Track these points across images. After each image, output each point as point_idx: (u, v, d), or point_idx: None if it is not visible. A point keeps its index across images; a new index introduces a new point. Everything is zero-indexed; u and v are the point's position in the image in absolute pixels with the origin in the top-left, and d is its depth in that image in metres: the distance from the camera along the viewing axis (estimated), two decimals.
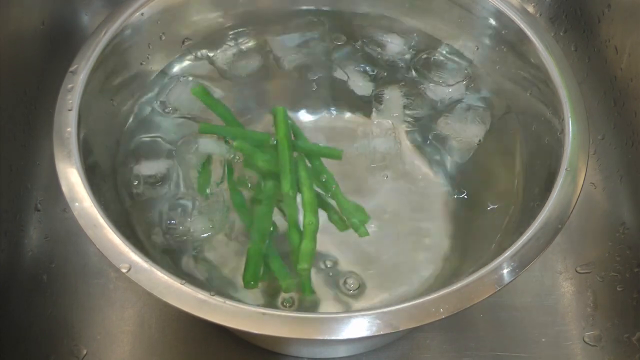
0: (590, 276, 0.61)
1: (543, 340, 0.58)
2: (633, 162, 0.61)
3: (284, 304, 0.52)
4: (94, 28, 0.55)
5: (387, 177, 0.59)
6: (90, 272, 0.60)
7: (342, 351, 0.57)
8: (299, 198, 0.57)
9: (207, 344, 0.57)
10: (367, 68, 0.63)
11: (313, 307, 0.53)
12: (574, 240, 0.63)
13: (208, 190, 0.55)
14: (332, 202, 0.58)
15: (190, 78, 0.62)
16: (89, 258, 0.61)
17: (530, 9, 0.74)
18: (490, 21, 0.60)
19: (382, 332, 0.41)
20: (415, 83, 0.62)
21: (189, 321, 0.58)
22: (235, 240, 0.55)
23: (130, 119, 0.59)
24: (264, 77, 0.64)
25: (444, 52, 0.64)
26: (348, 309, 0.53)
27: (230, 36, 0.65)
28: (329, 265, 0.55)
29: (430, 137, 0.61)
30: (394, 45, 0.64)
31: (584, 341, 0.58)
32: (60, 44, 0.67)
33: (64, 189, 0.46)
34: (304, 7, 0.66)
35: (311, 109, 0.64)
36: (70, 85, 0.51)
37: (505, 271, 0.44)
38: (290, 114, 0.61)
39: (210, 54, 0.64)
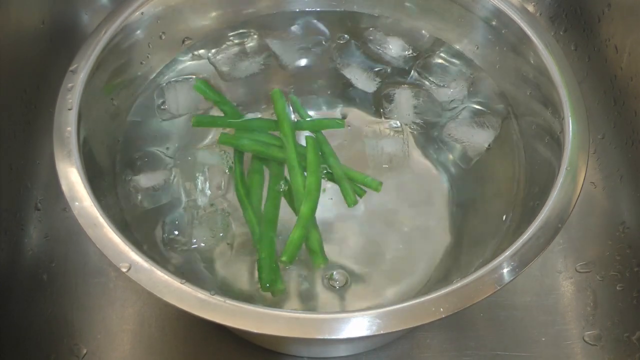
0: (590, 275, 0.61)
1: (543, 339, 0.58)
2: (633, 161, 0.61)
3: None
4: (94, 27, 0.55)
5: (391, 177, 0.59)
6: (90, 271, 0.60)
7: (343, 350, 0.57)
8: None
9: (207, 343, 0.57)
10: (371, 65, 0.63)
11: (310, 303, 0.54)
12: (574, 239, 0.63)
13: (207, 201, 0.55)
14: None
15: (191, 77, 0.62)
16: (89, 257, 0.61)
17: (531, 8, 0.74)
18: (490, 20, 0.60)
19: (382, 332, 0.41)
20: (418, 84, 0.62)
21: (189, 320, 0.58)
22: (238, 250, 0.55)
23: (130, 118, 0.59)
24: (266, 77, 0.64)
25: (445, 52, 0.64)
26: (346, 306, 0.53)
27: (231, 36, 0.65)
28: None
29: (438, 140, 0.61)
30: (396, 46, 0.64)
31: (584, 340, 0.58)
32: (60, 43, 0.67)
33: (64, 188, 0.46)
34: (306, 9, 0.66)
35: (316, 108, 0.63)
36: (70, 85, 0.51)
37: (505, 270, 0.44)
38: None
39: (211, 55, 0.64)
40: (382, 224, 0.58)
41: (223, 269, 0.54)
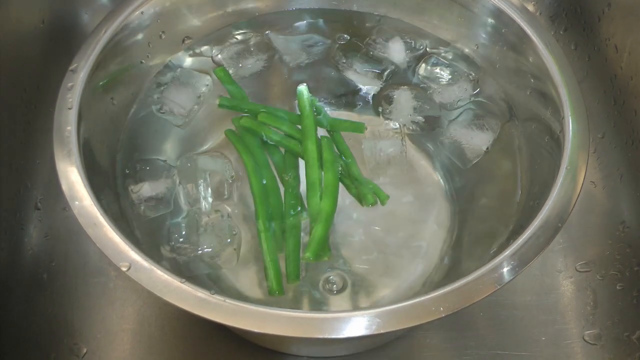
0: (590, 275, 0.61)
1: (543, 338, 0.58)
2: (633, 160, 0.61)
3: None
4: (94, 27, 0.55)
5: (389, 178, 0.59)
6: (90, 270, 0.60)
7: (343, 350, 0.57)
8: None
9: (207, 343, 0.57)
10: (373, 66, 0.63)
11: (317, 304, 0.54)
12: (574, 238, 0.63)
13: (211, 207, 0.55)
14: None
15: (193, 73, 0.62)
16: (89, 257, 0.61)
17: (531, 7, 0.74)
18: (490, 20, 0.60)
19: (382, 331, 0.41)
20: (422, 86, 0.62)
21: (189, 319, 0.58)
22: (244, 255, 0.55)
23: (130, 118, 0.59)
24: (268, 76, 0.65)
25: (445, 52, 0.64)
26: (347, 305, 0.53)
27: (232, 35, 0.65)
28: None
29: (437, 141, 0.61)
30: (397, 47, 0.64)
31: (584, 340, 0.58)
32: (60, 42, 0.67)
33: (64, 187, 0.46)
34: (306, 7, 0.66)
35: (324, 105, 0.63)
36: (70, 84, 0.51)
37: (505, 270, 0.44)
38: None
39: (214, 54, 0.63)
40: (381, 224, 0.58)
41: (231, 274, 0.54)
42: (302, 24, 0.66)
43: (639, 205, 0.61)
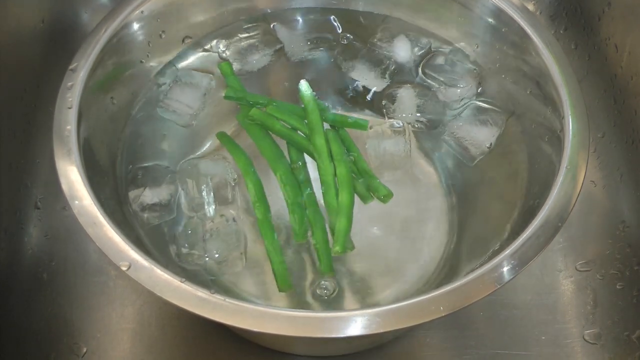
0: (590, 274, 0.61)
1: (543, 338, 0.58)
2: (633, 160, 0.61)
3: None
4: (94, 26, 0.55)
5: (393, 177, 0.59)
6: (90, 270, 0.60)
7: (343, 349, 0.57)
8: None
9: (207, 342, 0.57)
10: (375, 65, 0.63)
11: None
12: (574, 238, 0.63)
13: (216, 211, 0.55)
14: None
15: (193, 73, 0.61)
16: (89, 256, 0.61)
17: (531, 7, 0.74)
18: (490, 19, 0.60)
19: (382, 330, 0.41)
20: (426, 85, 0.62)
21: (189, 319, 0.58)
22: (250, 258, 0.55)
23: (130, 117, 0.59)
24: (272, 73, 0.64)
25: (446, 52, 0.63)
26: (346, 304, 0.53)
27: (239, 30, 0.64)
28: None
29: (441, 139, 0.60)
30: (400, 45, 0.63)
31: (584, 339, 0.58)
32: (60, 41, 0.67)
33: (64, 187, 0.46)
34: (305, 6, 0.66)
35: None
36: (70, 83, 0.51)
37: (505, 269, 0.44)
38: None
39: (221, 50, 0.63)
40: (383, 223, 0.58)
41: (239, 278, 0.54)
42: (307, 21, 0.66)
43: (639, 205, 0.61)
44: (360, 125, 0.60)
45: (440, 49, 0.63)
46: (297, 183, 0.57)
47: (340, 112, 0.63)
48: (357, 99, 0.63)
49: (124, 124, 0.58)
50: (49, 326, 0.58)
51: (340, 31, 0.65)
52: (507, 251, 0.44)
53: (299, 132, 0.59)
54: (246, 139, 0.60)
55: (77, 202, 0.45)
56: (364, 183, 0.57)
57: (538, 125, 0.56)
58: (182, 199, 0.55)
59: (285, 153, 0.59)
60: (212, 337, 0.57)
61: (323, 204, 0.56)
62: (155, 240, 0.52)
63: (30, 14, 0.63)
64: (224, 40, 0.64)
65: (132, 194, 0.54)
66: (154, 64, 0.61)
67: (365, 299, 0.55)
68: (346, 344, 0.55)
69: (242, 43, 0.64)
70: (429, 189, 0.60)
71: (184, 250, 0.51)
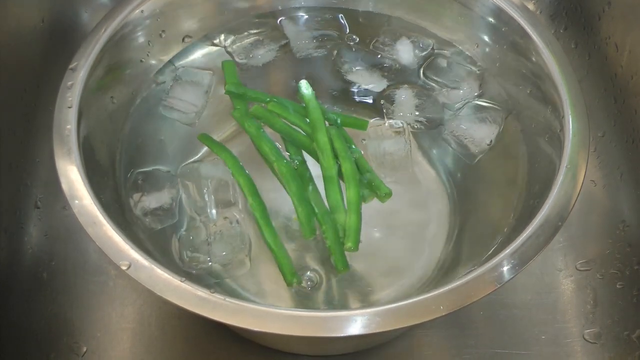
0: (590, 273, 0.61)
1: (543, 337, 0.58)
2: (633, 159, 0.61)
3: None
4: (94, 25, 0.55)
5: (393, 177, 0.59)
6: (90, 269, 0.60)
7: (343, 348, 0.57)
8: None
9: (207, 342, 0.57)
10: (376, 67, 0.63)
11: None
12: (574, 237, 0.63)
13: (219, 214, 0.55)
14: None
15: (193, 71, 0.61)
16: (89, 255, 0.61)
17: (531, 6, 0.74)
18: (490, 18, 0.60)
19: (382, 330, 0.41)
20: (425, 86, 0.62)
21: (189, 319, 0.58)
22: (255, 259, 0.55)
23: (130, 117, 0.59)
24: (273, 70, 0.64)
25: (448, 54, 0.63)
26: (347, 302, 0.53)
27: (246, 25, 0.64)
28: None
29: (441, 138, 0.60)
30: (405, 47, 0.63)
31: (584, 338, 0.58)
32: (60, 41, 0.67)
33: (64, 186, 0.46)
34: (305, 5, 0.66)
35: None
36: (70, 83, 0.51)
37: (505, 269, 0.44)
38: None
39: (227, 44, 0.63)
40: (383, 222, 0.58)
41: (246, 280, 0.54)
42: (314, 18, 0.65)
43: (639, 204, 0.61)
44: (360, 125, 0.60)
45: (441, 51, 0.63)
46: (300, 178, 0.57)
47: (339, 111, 0.63)
48: (356, 99, 0.63)
49: (123, 123, 0.58)
50: (49, 325, 0.58)
51: (347, 31, 0.65)
52: (507, 250, 0.44)
53: (299, 129, 0.60)
54: (245, 140, 0.60)
55: (77, 201, 0.45)
56: (364, 181, 0.57)
57: (538, 124, 0.56)
58: (184, 203, 0.55)
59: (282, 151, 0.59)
60: (212, 336, 0.57)
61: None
62: (157, 245, 0.52)
63: (30, 13, 0.63)
64: (230, 35, 0.64)
65: (133, 199, 0.53)
66: (154, 63, 0.61)
67: (365, 299, 0.55)
68: (346, 344, 0.55)
69: (249, 38, 0.64)
70: (429, 189, 0.60)
71: (189, 254, 0.51)
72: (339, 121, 0.60)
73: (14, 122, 0.60)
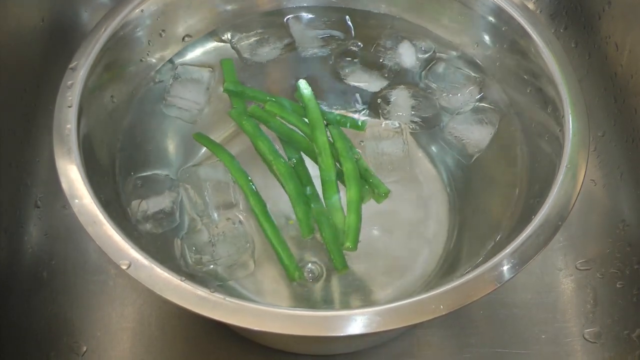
0: (590, 273, 0.61)
1: (543, 337, 0.58)
2: (633, 158, 0.61)
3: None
4: (94, 25, 0.55)
5: (392, 177, 0.59)
6: (90, 269, 0.60)
7: (343, 348, 0.57)
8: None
9: (207, 341, 0.57)
10: (376, 70, 0.63)
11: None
12: (574, 237, 0.63)
13: (221, 215, 0.55)
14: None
15: (192, 69, 0.61)
16: (89, 255, 0.61)
17: (531, 5, 0.74)
18: (490, 18, 0.60)
19: (382, 329, 0.41)
20: (426, 90, 0.62)
21: (189, 318, 0.58)
22: (260, 260, 0.55)
23: (130, 116, 0.59)
24: (279, 67, 0.65)
25: (449, 58, 0.63)
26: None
27: (252, 22, 0.64)
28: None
29: (438, 138, 0.60)
30: (407, 50, 0.63)
31: (584, 338, 0.58)
32: (60, 40, 0.67)
33: (64, 185, 0.46)
34: (304, 5, 0.66)
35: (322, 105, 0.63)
36: (70, 82, 0.51)
37: (505, 268, 0.44)
38: None
39: (234, 40, 0.63)
40: (384, 222, 0.58)
41: (252, 281, 0.54)
42: (321, 18, 0.65)
43: (639, 204, 0.61)
44: (358, 126, 0.60)
45: (443, 54, 0.63)
46: (298, 177, 0.57)
47: (337, 111, 0.63)
48: (351, 101, 0.64)
49: (123, 122, 0.58)
50: (48, 325, 0.58)
51: (353, 33, 0.65)
52: (507, 250, 0.44)
53: (296, 129, 0.60)
54: (247, 139, 0.60)
55: (77, 200, 0.45)
56: (363, 181, 0.57)
57: (538, 124, 0.56)
58: (186, 206, 0.55)
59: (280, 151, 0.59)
60: (212, 336, 0.57)
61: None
62: (160, 250, 0.52)
63: (30, 13, 0.63)
64: (237, 32, 0.64)
65: (133, 204, 0.53)
66: (154, 62, 0.61)
67: (365, 298, 0.55)
68: (346, 343, 0.55)
69: (254, 35, 0.64)
70: (429, 188, 0.60)
71: (193, 257, 0.51)
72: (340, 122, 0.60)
73: (14, 122, 0.60)
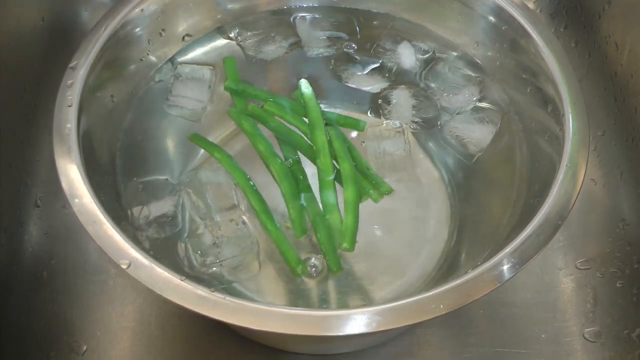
0: (590, 272, 0.61)
1: (543, 336, 0.58)
2: (633, 158, 0.61)
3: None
4: (94, 24, 0.55)
5: (393, 177, 0.59)
6: (90, 268, 0.60)
7: (343, 347, 0.57)
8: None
9: (207, 341, 0.57)
10: (377, 70, 0.63)
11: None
12: (574, 236, 0.63)
13: (224, 218, 0.54)
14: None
15: (193, 68, 0.61)
16: (89, 254, 0.61)
17: (531, 5, 0.74)
18: (490, 17, 0.60)
19: (382, 328, 0.41)
20: (417, 85, 0.62)
21: (189, 318, 0.58)
22: (264, 260, 0.55)
23: (130, 115, 0.59)
24: (283, 66, 0.65)
25: (449, 58, 0.63)
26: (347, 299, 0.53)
27: (253, 23, 0.65)
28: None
29: (439, 138, 0.60)
30: (406, 50, 0.63)
31: (584, 337, 0.58)
32: (60, 40, 0.67)
33: (64, 185, 0.46)
34: (304, 4, 0.66)
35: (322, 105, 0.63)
36: (70, 81, 0.51)
37: (505, 267, 0.44)
38: None
39: (240, 38, 0.63)
40: (384, 221, 0.58)
41: (252, 280, 0.54)
42: (328, 18, 0.65)
43: (639, 203, 0.61)
44: (358, 126, 0.60)
45: (442, 55, 0.63)
46: (294, 177, 0.57)
47: (338, 112, 0.63)
48: (352, 102, 0.63)
49: (123, 121, 0.58)
50: (48, 324, 0.58)
51: (359, 34, 0.65)
52: (507, 249, 0.44)
53: (296, 129, 0.60)
54: (246, 139, 0.60)
55: (77, 200, 0.45)
56: (363, 180, 0.57)
57: (538, 123, 0.56)
58: (189, 210, 0.55)
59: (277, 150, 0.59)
60: (212, 335, 0.57)
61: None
62: (164, 254, 0.51)
63: (30, 12, 0.63)
64: (243, 29, 0.64)
65: (134, 210, 0.53)
66: (154, 61, 0.61)
67: (365, 297, 0.55)
68: (346, 342, 0.55)
69: (261, 32, 0.64)
70: (429, 188, 0.60)
71: (199, 260, 0.51)
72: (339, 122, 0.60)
73: (14, 121, 0.60)
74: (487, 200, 0.58)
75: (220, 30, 0.64)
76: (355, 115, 0.63)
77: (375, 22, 0.65)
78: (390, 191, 0.57)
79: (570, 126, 0.50)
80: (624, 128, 0.63)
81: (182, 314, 0.58)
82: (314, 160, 0.58)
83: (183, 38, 0.63)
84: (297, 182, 0.57)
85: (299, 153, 0.60)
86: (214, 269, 0.51)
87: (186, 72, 0.61)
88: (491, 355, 0.57)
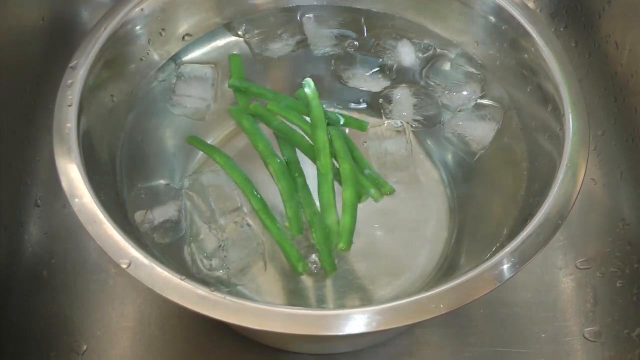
0: (591, 272, 0.61)
1: (543, 336, 0.58)
2: (633, 157, 0.61)
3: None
4: (94, 24, 0.55)
5: (395, 176, 0.59)
6: (90, 268, 0.60)
7: (343, 347, 0.57)
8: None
9: (207, 340, 0.57)
10: (377, 72, 0.63)
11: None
12: (574, 236, 0.63)
13: (228, 220, 0.54)
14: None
15: (195, 67, 0.61)
16: (89, 254, 0.61)
17: (531, 4, 0.74)
18: (490, 17, 0.60)
19: (382, 328, 0.41)
20: (418, 84, 0.62)
21: (189, 317, 0.58)
22: (269, 260, 0.55)
23: (130, 115, 0.59)
24: (289, 64, 0.65)
25: (450, 56, 0.63)
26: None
27: (260, 20, 0.64)
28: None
29: (440, 136, 0.60)
30: (406, 48, 0.63)
31: (584, 337, 0.58)
32: (60, 39, 0.67)
33: (64, 184, 0.46)
34: (305, 4, 0.66)
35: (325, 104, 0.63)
36: (70, 81, 0.51)
37: (505, 267, 0.44)
38: None
39: (247, 35, 0.63)
40: (384, 221, 0.58)
41: (257, 282, 0.54)
42: (335, 18, 0.65)
43: (639, 203, 0.61)
44: (360, 126, 0.60)
45: (443, 53, 0.63)
46: (292, 177, 0.57)
47: (340, 111, 0.63)
48: (352, 101, 0.64)
49: (124, 121, 0.58)
50: (48, 324, 0.58)
51: (365, 33, 0.65)
52: (507, 249, 0.44)
53: (297, 129, 0.60)
54: (246, 138, 0.60)
55: (77, 200, 0.45)
56: (364, 180, 0.57)
57: (538, 123, 0.56)
58: (193, 214, 0.55)
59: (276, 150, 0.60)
60: (212, 335, 0.57)
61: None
62: (170, 258, 0.51)
63: (30, 12, 0.63)
64: (250, 27, 0.64)
65: (137, 216, 0.53)
66: (154, 61, 0.61)
67: (365, 297, 0.55)
68: (346, 342, 0.55)
69: (267, 30, 0.64)
70: (430, 187, 0.60)
71: (205, 263, 0.51)
72: (341, 122, 0.60)
73: (14, 121, 0.60)
74: (487, 199, 0.58)
75: (228, 27, 0.64)
76: (357, 115, 0.63)
77: (375, 22, 0.65)
78: (392, 191, 0.57)
79: (570, 126, 0.50)
80: (624, 128, 0.63)
81: (182, 314, 0.58)
82: (314, 159, 0.58)
83: (183, 37, 0.63)
84: (295, 182, 0.57)
85: (300, 153, 0.59)
86: (221, 272, 0.51)
87: (188, 71, 0.61)
88: (491, 354, 0.57)
